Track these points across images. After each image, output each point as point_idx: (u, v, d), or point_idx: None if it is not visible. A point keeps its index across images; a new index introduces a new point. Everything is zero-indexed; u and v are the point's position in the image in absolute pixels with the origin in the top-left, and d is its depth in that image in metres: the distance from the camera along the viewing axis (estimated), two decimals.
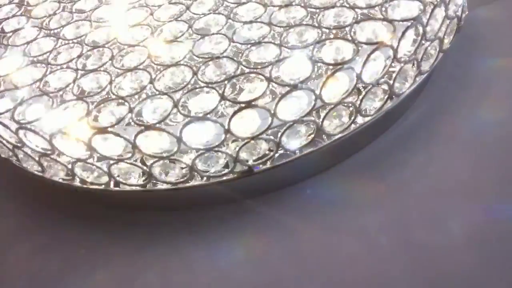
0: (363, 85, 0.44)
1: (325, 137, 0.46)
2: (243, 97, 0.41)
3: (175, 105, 0.41)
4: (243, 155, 0.44)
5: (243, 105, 0.40)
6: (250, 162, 0.45)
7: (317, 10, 0.47)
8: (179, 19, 0.51)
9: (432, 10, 0.45)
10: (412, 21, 0.44)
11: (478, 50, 0.58)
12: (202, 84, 0.43)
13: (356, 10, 0.46)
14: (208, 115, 0.40)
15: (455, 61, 0.56)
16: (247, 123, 0.42)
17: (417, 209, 0.46)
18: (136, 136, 0.41)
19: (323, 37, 0.44)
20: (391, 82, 0.46)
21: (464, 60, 0.57)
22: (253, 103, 0.40)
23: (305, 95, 0.42)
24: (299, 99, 0.42)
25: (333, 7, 0.47)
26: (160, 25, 0.51)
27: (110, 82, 0.45)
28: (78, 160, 0.44)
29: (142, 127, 0.40)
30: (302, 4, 0.49)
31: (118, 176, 0.45)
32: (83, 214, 0.52)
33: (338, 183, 0.49)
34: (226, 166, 0.44)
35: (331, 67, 0.42)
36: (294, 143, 0.45)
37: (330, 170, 0.50)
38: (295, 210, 0.48)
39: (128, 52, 0.48)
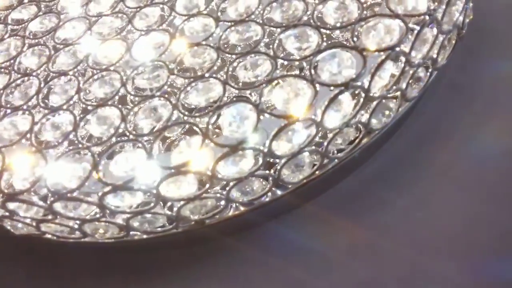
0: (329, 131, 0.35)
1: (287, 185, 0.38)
2: (175, 158, 0.34)
3: (94, 167, 0.34)
4: (186, 213, 0.37)
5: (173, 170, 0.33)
6: (197, 217, 0.38)
7: (277, 30, 0.38)
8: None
9: (418, 32, 0.35)
10: (389, 51, 0.34)
11: (483, 53, 0.47)
12: (130, 137, 0.35)
13: (322, 31, 0.36)
14: (131, 183, 0.33)
15: (452, 70, 0.45)
16: (182, 187, 0.35)
17: (397, 264, 0.38)
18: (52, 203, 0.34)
19: (277, 72, 0.35)
20: (365, 120, 0.37)
21: (464, 67, 0.46)
22: (184, 169, 0.33)
23: (251, 153, 0.34)
24: (244, 157, 0.34)
25: (295, 26, 0.37)
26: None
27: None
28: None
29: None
30: (259, 20, 0.39)
31: None
32: None
33: (305, 226, 0.42)
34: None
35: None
36: (247, 197, 0.38)
37: (298, 209, 0.43)
38: (255, 256, 0.42)
39: None
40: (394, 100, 0.38)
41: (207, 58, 0.38)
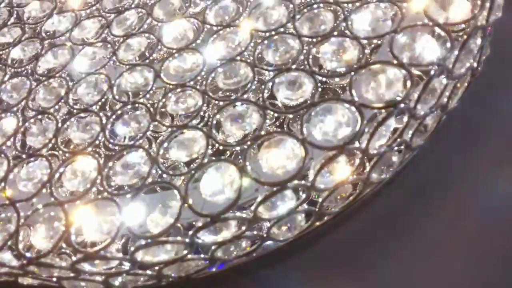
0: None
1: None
2: (152, 225, 0.31)
3: None
4: (168, 272, 0.34)
5: None
6: (181, 274, 0.35)
7: (268, 74, 0.33)
8: None
9: (425, 86, 0.30)
10: (391, 108, 0.30)
11: (498, 85, 0.42)
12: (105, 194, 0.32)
13: (317, 77, 0.32)
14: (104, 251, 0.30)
15: (463, 105, 0.40)
16: (160, 253, 0.31)
17: None
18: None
19: (266, 126, 0.31)
20: (363, 176, 0.33)
21: (477, 101, 0.41)
22: (161, 239, 0.30)
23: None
24: (227, 225, 0.31)
25: (288, 70, 0.33)
26: None
27: None
28: None
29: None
30: (250, 59, 0.35)
31: None
32: None
33: (295, 277, 0.39)
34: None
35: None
36: (233, 255, 0.34)
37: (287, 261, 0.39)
38: None
39: None
40: (396, 152, 0.34)
41: (190, 104, 0.34)
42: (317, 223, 0.34)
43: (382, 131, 0.32)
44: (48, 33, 0.44)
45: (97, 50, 0.41)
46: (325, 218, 0.34)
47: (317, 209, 0.33)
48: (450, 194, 0.38)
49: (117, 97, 0.37)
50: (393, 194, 0.38)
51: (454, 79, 0.33)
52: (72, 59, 0.41)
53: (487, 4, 0.32)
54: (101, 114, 0.36)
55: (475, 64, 0.35)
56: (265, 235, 0.33)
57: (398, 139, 0.33)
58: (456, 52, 0.31)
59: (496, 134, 0.40)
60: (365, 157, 0.31)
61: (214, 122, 0.32)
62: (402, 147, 0.34)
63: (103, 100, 0.37)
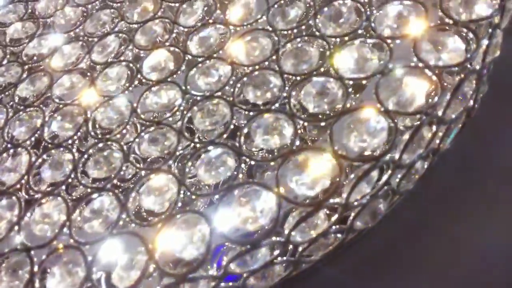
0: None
1: None
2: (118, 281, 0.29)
3: None
4: None
5: None
6: None
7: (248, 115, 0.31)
8: None
9: (411, 137, 0.28)
10: (373, 161, 0.27)
11: (496, 123, 0.38)
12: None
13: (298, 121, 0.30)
14: None
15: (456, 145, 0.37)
16: None
17: None
18: None
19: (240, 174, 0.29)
20: (346, 225, 0.31)
21: (472, 139, 0.38)
22: None
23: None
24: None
25: (268, 111, 0.31)
26: None
27: None
28: None
29: None
30: (230, 97, 0.32)
31: None
32: None
33: None
34: None
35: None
36: None
37: None
38: None
39: None
40: (382, 200, 0.32)
41: (165, 146, 0.32)
42: (295, 272, 0.32)
43: (363, 186, 0.29)
44: (28, 57, 0.42)
45: (75, 80, 0.39)
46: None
47: (295, 259, 0.31)
48: (442, 235, 0.35)
49: (92, 133, 0.35)
50: (380, 236, 0.36)
51: (445, 124, 0.30)
52: (50, 87, 0.39)
53: (483, 45, 0.29)
54: (74, 150, 0.34)
55: (471, 103, 0.33)
56: (241, 286, 0.31)
57: (385, 187, 0.30)
58: (448, 97, 0.29)
59: (489, 173, 0.37)
60: (344, 213, 0.28)
61: (187, 169, 0.30)
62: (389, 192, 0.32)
63: (78, 134, 0.35)
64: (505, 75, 0.37)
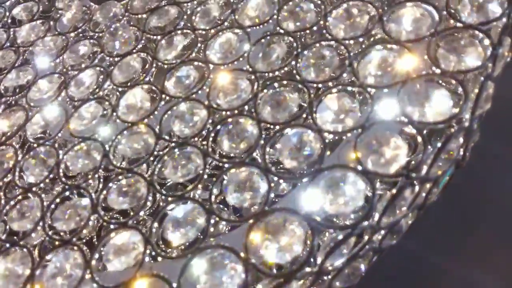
0: None
1: None
2: None
3: None
4: None
5: None
6: None
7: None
8: None
9: (392, 200, 0.26)
10: (347, 230, 0.25)
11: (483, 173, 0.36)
12: None
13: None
14: None
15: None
16: None
17: None
18: None
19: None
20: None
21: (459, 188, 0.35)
22: None
23: None
24: None
25: (242, 163, 0.29)
26: None
27: None
28: None
29: None
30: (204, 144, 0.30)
31: None
32: None
33: None
34: None
35: None
36: None
37: None
38: None
39: None
40: (361, 260, 0.29)
41: (135, 198, 0.30)
42: None
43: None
44: (5, 90, 0.41)
45: (50, 118, 0.37)
46: None
47: None
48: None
49: (63, 179, 0.33)
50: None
51: (430, 181, 0.28)
52: (24, 124, 0.37)
53: (472, 99, 0.27)
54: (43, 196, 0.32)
55: (461, 152, 0.30)
56: None
57: (366, 246, 0.28)
58: (432, 155, 0.26)
59: (477, 227, 0.35)
60: (318, 281, 0.26)
61: (154, 227, 0.28)
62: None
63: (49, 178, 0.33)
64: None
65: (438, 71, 0.28)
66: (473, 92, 0.28)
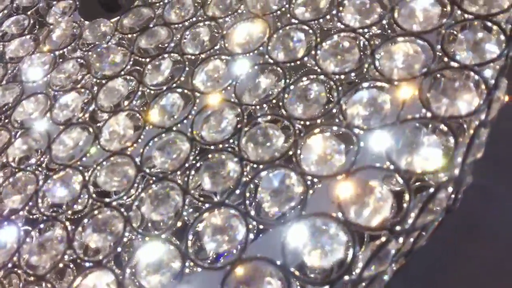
0: None
1: None
2: None
3: None
4: None
5: None
6: None
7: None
8: None
9: (372, 257, 0.24)
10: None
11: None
12: None
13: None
14: None
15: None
16: None
17: None
18: None
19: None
20: None
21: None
22: None
23: None
24: None
25: (222, 204, 0.27)
26: None
27: None
28: None
29: None
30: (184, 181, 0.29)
31: None
32: None
33: None
34: None
35: None
36: None
37: None
38: None
39: None
40: None
41: (111, 236, 0.29)
42: None
43: None
44: None
45: (32, 142, 0.36)
46: None
47: None
48: None
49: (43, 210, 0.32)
50: None
51: (416, 230, 0.26)
52: (7, 147, 0.36)
53: (463, 147, 0.25)
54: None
55: (451, 199, 0.29)
56: None
57: None
58: (416, 210, 0.25)
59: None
60: None
61: (128, 269, 0.27)
62: None
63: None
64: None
65: (429, 114, 0.27)
66: (465, 136, 0.26)
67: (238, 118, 0.31)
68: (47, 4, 0.46)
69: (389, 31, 0.31)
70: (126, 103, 0.35)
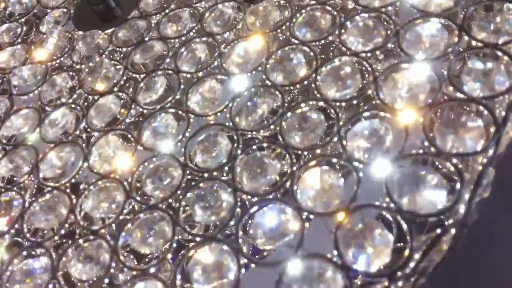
0: None
1: None
2: None
3: None
4: None
5: None
6: None
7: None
8: None
9: None
10: None
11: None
12: None
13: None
14: None
15: None
16: None
17: None
18: None
19: None
20: None
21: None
22: None
23: None
24: None
25: (211, 239, 0.26)
26: None
27: None
28: None
29: None
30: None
31: None
32: None
33: None
34: None
35: None
36: None
37: None
38: None
39: None
40: None
41: (97, 268, 0.27)
42: None
43: None
44: None
45: (19, 160, 0.34)
46: None
47: None
48: None
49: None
50: None
51: (417, 273, 0.25)
52: None
53: (467, 193, 0.24)
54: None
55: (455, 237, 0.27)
56: None
57: None
58: (421, 250, 0.23)
59: None
60: None
61: None
62: None
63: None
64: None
65: (433, 149, 0.25)
66: (472, 171, 0.25)
67: (233, 144, 0.29)
68: (41, 11, 0.44)
69: (394, 55, 0.30)
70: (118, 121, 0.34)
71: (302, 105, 0.29)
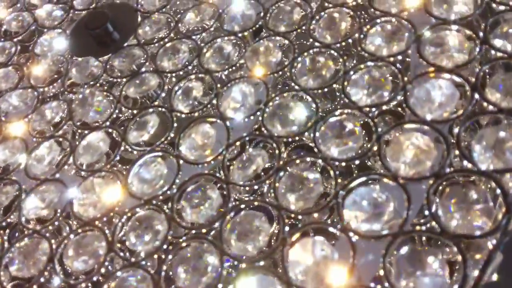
0: None
1: None
2: None
3: None
4: None
5: None
6: None
7: None
8: None
9: None
10: None
11: None
12: None
13: None
14: None
15: None
16: None
17: None
18: None
19: None
20: None
21: None
22: None
23: None
24: None
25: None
26: None
27: None
28: None
29: None
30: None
31: None
32: None
33: None
34: None
35: None
36: None
37: None
38: None
39: None
40: None
41: None
42: None
43: None
44: None
45: (9, 189, 0.32)
46: None
47: None
48: None
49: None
50: None
51: None
52: None
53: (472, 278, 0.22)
54: None
55: None
56: None
57: None
58: None
59: None
60: None
61: None
62: None
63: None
64: None
65: (436, 225, 0.23)
66: (478, 250, 0.23)
67: (224, 199, 0.27)
68: (37, 31, 0.42)
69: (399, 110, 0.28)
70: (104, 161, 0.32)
71: (298, 161, 0.27)
